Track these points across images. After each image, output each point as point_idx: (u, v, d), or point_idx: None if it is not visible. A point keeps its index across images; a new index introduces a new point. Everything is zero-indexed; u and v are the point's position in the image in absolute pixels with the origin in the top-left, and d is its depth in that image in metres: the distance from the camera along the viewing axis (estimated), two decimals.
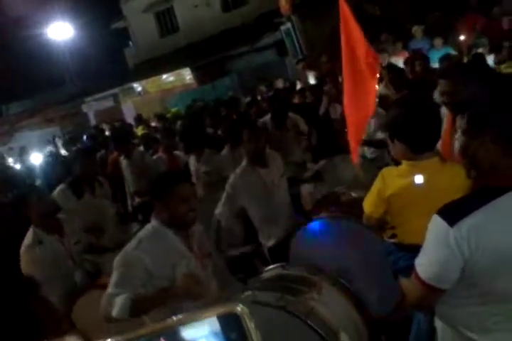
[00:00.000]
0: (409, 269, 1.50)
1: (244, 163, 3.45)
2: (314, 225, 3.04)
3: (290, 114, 5.13)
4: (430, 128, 1.89)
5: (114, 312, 1.91)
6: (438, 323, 1.59)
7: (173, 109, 13.17)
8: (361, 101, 3.20)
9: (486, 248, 1.31)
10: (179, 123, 7.75)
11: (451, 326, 1.50)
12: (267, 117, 5.29)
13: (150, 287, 2.05)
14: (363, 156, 4.67)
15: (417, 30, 8.78)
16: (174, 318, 0.62)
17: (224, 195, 3.40)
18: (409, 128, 1.87)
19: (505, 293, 1.36)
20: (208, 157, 4.66)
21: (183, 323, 0.62)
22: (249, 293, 2.22)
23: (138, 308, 1.97)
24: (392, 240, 1.98)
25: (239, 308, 0.63)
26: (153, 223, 2.22)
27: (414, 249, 1.52)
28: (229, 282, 2.53)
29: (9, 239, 3.31)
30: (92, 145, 8.55)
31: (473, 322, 1.43)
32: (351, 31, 3.17)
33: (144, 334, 0.61)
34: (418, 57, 5.60)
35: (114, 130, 9.76)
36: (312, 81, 8.95)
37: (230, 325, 0.62)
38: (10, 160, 10.30)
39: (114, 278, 2.06)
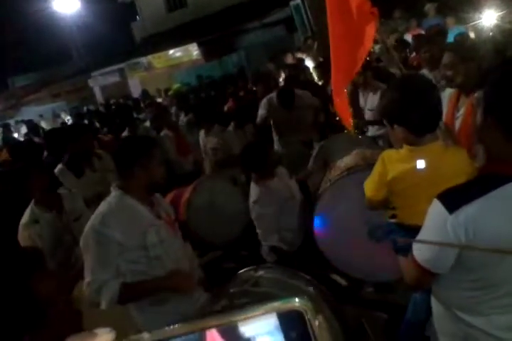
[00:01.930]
0: (407, 249, 1.51)
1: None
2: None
3: (298, 92, 5.05)
4: (429, 108, 1.81)
5: (104, 303, 1.93)
6: (434, 303, 1.60)
7: (175, 86, 13.08)
8: (350, 53, 2.83)
9: (484, 236, 1.30)
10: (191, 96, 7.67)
11: (446, 307, 1.52)
12: (274, 94, 5.23)
13: (122, 261, 2.01)
14: (366, 134, 4.65)
15: (429, 8, 8.58)
16: (230, 314, 0.58)
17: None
18: (407, 111, 1.79)
19: (501, 280, 1.37)
20: (217, 132, 4.66)
21: (240, 320, 0.57)
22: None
23: (126, 298, 2.00)
24: (392, 220, 1.98)
25: (301, 304, 0.58)
26: (115, 193, 2.13)
27: (415, 230, 1.51)
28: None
29: (8, 213, 3.31)
30: (90, 121, 8.53)
31: (468, 305, 1.44)
32: None
33: (196, 329, 0.57)
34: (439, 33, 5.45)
35: (118, 106, 9.72)
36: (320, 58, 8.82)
37: (291, 323, 0.57)
38: (16, 135, 10.31)
39: (90, 262, 2.00)
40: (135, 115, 8.16)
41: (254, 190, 3.15)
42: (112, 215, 2.04)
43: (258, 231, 3.18)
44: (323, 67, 5.48)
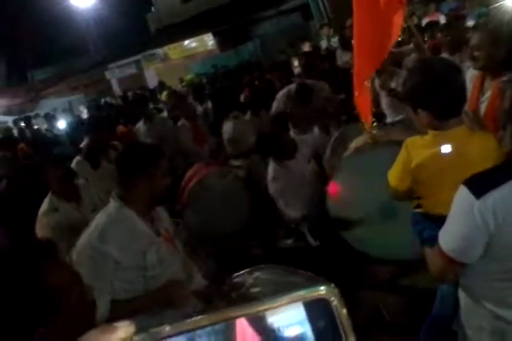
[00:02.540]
0: (434, 240, 1.47)
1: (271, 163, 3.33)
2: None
3: (316, 84, 4.99)
4: (453, 92, 1.75)
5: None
6: (461, 294, 1.57)
7: (188, 77, 13.09)
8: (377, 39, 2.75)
9: None
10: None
11: (475, 300, 1.48)
12: (292, 87, 5.18)
13: (116, 280, 1.87)
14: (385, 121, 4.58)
15: None
16: (256, 304, 0.54)
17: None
18: (430, 94, 1.74)
19: None
20: (233, 119, 4.64)
21: (266, 309, 0.54)
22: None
23: (117, 315, 1.81)
24: (418, 210, 1.93)
25: (327, 291, 0.55)
26: (114, 204, 1.96)
27: (440, 220, 1.47)
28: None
29: (26, 204, 3.33)
30: (108, 113, 8.60)
31: (496, 297, 1.41)
32: None
33: (219, 320, 0.54)
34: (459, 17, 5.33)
35: (134, 97, 9.78)
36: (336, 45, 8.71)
37: (318, 311, 0.54)
38: (36, 127, 10.47)
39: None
40: (152, 105, 8.21)
41: (271, 168, 3.25)
42: (111, 230, 1.89)
43: (281, 207, 3.26)
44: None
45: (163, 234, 2.04)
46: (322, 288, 0.56)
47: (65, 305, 1.02)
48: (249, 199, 3.86)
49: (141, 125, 5.30)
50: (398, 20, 2.69)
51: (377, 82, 4.73)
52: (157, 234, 2.00)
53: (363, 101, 3.06)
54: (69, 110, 13.23)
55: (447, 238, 1.41)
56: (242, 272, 2.28)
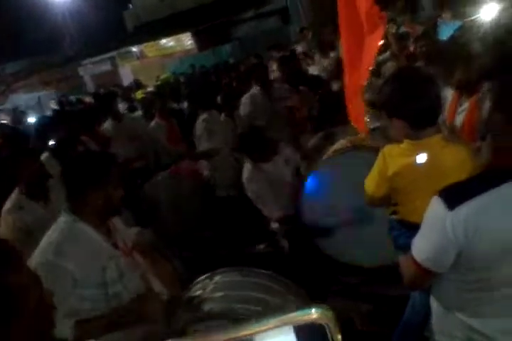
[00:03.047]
0: (408, 247, 1.47)
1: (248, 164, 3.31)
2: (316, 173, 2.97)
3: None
4: (429, 101, 1.75)
5: None
6: (433, 302, 1.57)
7: (163, 76, 12.98)
8: (360, 57, 2.90)
9: (485, 235, 1.26)
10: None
11: (446, 307, 1.49)
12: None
13: (75, 299, 1.71)
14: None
15: (426, 2, 8.53)
16: (240, 327, 0.52)
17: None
18: (405, 103, 1.74)
19: (503, 281, 1.33)
20: (208, 118, 4.54)
21: (255, 332, 0.52)
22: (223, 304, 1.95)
23: (82, 337, 1.66)
24: (394, 216, 1.94)
25: (321, 315, 0.52)
26: (66, 219, 1.80)
27: (416, 227, 1.47)
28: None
29: None
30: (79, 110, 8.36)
31: (468, 307, 1.41)
32: None
33: None
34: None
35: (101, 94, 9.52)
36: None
37: (310, 336, 0.51)
38: (4, 121, 10.14)
39: None
40: (127, 104, 8.05)
41: (247, 168, 3.25)
42: (67, 244, 1.73)
43: (261, 207, 3.25)
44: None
45: (121, 246, 1.91)
46: (316, 311, 0.52)
47: (24, 308, 0.99)
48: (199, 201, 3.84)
49: (109, 124, 5.08)
50: (379, 35, 2.76)
51: None
52: (115, 246, 1.87)
53: (356, 113, 3.12)
54: (38, 105, 12.84)
55: (419, 247, 1.41)
56: (202, 277, 2.20)
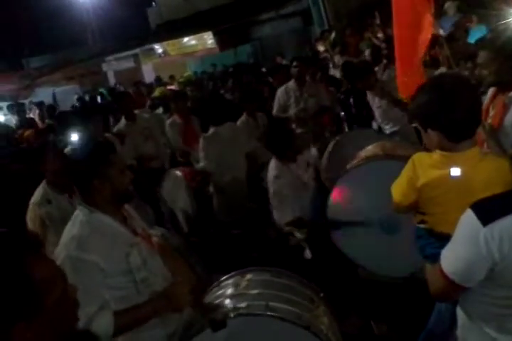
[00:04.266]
0: (436, 257, 1.44)
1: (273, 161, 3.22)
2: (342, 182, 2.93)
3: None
4: (468, 113, 1.62)
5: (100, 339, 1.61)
6: (459, 314, 1.54)
7: (186, 74, 13.04)
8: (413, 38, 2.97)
9: None
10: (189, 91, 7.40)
11: (473, 320, 1.46)
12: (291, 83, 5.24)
13: (104, 289, 1.74)
14: (381, 131, 4.62)
15: (449, 6, 8.43)
16: None
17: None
18: (442, 114, 1.62)
19: None
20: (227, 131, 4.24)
21: None
22: (261, 302, 1.91)
23: (121, 328, 1.72)
24: (422, 225, 1.87)
25: None
26: (83, 212, 1.83)
27: (444, 238, 1.45)
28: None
29: (17, 193, 3.27)
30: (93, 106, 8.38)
31: (494, 321, 1.39)
32: None
33: None
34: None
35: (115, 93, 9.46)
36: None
37: None
38: (32, 115, 10.37)
39: None
40: (149, 101, 8.17)
41: (275, 165, 3.13)
42: (88, 237, 1.75)
43: (275, 209, 3.15)
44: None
45: (139, 232, 1.94)
46: None
47: (47, 301, 0.99)
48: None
49: (123, 124, 4.96)
50: (428, 18, 2.89)
51: (369, 95, 4.79)
52: (134, 233, 1.90)
53: (410, 82, 3.08)
54: (53, 101, 12.95)
55: (449, 260, 1.38)
56: (231, 274, 2.20)
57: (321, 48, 9.28)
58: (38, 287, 0.97)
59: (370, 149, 3.22)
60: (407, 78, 3.06)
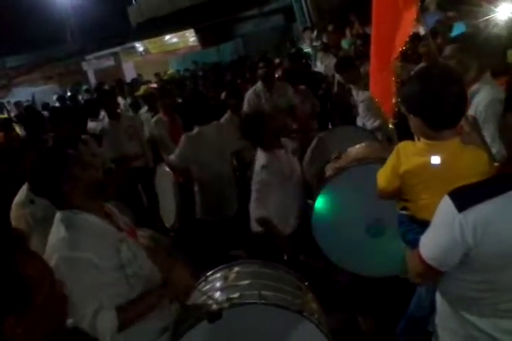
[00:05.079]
0: (417, 242, 1.49)
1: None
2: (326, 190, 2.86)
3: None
4: (450, 103, 1.68)
5: (106, 337, 1.65)
6: (438, 299, 1.59)
7: (170, 71, 12.96)
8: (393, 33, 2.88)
9: (494, 238, 1.27)
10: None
11: (451, 305, 1.51)
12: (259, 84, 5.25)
13: (101, 286, 1.73)
14: (363, 127, 4.63)
15: (430, 2, 8.51)
16: None
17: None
18: (425, 103, 1.70)
19: (506, 285, 1.34)
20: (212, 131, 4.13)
21: None
22: (253, 291, 1.96)
23: (126, 321, 1.72)
24: (404, 212, 1.95)
25: None
26: (64, 214, 1.81)
27: (425, 224, 1.49)
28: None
29: (1, 193, 3.23)
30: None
31: (473, 306, 1.43)
32: None
33: None
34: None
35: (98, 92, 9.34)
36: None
37: None
38: (12, 114, 10.13)
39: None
40: (130, 100, 8.06)
41: (262, 155, 3.03)
42: (77, 237, 1.73)
43: (253, 198, 3.03)
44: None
45: (124, 228, 1.94)
46: None
47: (37, 296, 1.00)
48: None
49: (106, 122, 4.97)
50: (410, 17, 2.78)
51: (353, 90, 4.80)
52: (119, 229, 1.90)
53: (383, 94, 3.07)
54: (32, 102, 12.70)
55: (427, 246, 1.43)
56: (218, 268, 2.19)
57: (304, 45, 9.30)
58: (27, 282, 0.99)
59: (360, 150, 3.18)
60: (384, 73, 3.03)
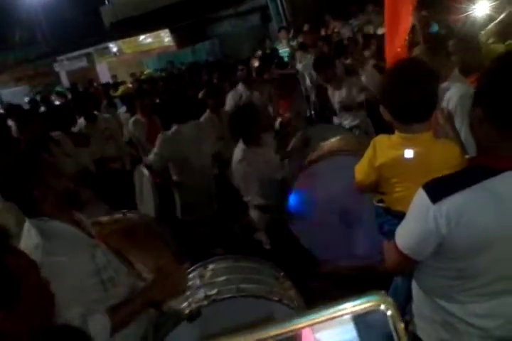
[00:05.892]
0: (393, 234, 1.53)
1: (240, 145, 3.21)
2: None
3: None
4: (420, 97, 1.70)
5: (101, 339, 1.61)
6: (414, 288, 1.63)
7: (147, 71, 12.85)
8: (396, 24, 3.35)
9: (466, 228, 1.31)
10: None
11: (426, 293, 1.55)
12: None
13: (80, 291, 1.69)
14: (342, 126, 4.68)
15: None
16: (298, 319, 0.50)
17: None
18: (393, 95, 1.75)
19: (480, 271, 1.38)
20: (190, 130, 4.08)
21: (311, 324, 0.49)
22: (231, 286, 1.97)
23: (117, 325, 1.69)
24: (380, 204, 1.99)
25: (382, 302, 0.47)
26: (33, 223, 1.76)
27: (400, 216, 1.54)
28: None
29: None
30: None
31: (447, 293, 1.46)
32: None
33: (272, 336, 0.51)
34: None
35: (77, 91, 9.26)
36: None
37: (370, 325, 0.47)
38: None
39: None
40: (106, 101, 7.91)
41: (240, 149, 3.12)
42: (52, 243, 1.69)
43: (244, 193, 3.16)
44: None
45: (94, 235, 1.91)
46: (374, 297, 0.48)
47: (24, 290, 1.01)
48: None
49: (82, 124, 4.90)
50: (408, 9, 3.20)
51: (329, 89, 4.83)
52: (90, 236, 1.87)
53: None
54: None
55: (402, 236, 1.48)
56: (192, 267, 2.18)
57: (279, 45, 9.32)
58: (14, 276, 0.99)
59: (334, 143, 3.23)
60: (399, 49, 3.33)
